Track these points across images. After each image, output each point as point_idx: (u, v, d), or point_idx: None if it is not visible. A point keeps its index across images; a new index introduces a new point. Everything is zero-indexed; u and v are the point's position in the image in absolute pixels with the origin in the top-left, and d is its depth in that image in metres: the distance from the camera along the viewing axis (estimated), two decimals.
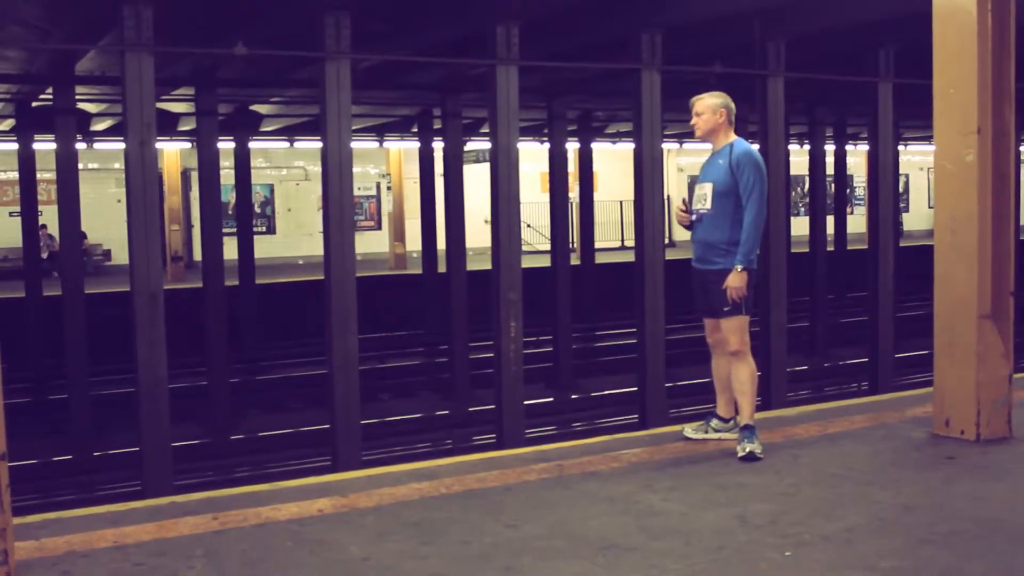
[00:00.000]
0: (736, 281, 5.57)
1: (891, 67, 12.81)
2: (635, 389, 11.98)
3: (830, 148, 21.82)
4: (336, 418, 9.60)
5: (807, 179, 21.91)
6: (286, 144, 24.25)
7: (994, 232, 5.70)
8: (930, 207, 33.43)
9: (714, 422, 6.01)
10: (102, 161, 25.44)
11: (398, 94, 16.85)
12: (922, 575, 3.87)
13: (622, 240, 29.18)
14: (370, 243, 27.22)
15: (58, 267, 16.79)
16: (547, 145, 17.74)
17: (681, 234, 32.50)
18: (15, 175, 18.40)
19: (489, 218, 10.71)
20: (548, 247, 18.12)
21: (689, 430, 6.07)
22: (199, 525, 4.57)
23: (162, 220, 19.81)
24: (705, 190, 5.77)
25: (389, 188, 27.54)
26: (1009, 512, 4.58)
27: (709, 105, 5.81)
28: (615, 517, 4.61)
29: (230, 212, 21.51)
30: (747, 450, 5.53)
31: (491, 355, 10.80)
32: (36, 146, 16.72)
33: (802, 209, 30.09)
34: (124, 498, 8.58)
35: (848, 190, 27.24)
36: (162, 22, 8.88)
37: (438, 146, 18.48)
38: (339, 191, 9.48)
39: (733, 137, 5.85)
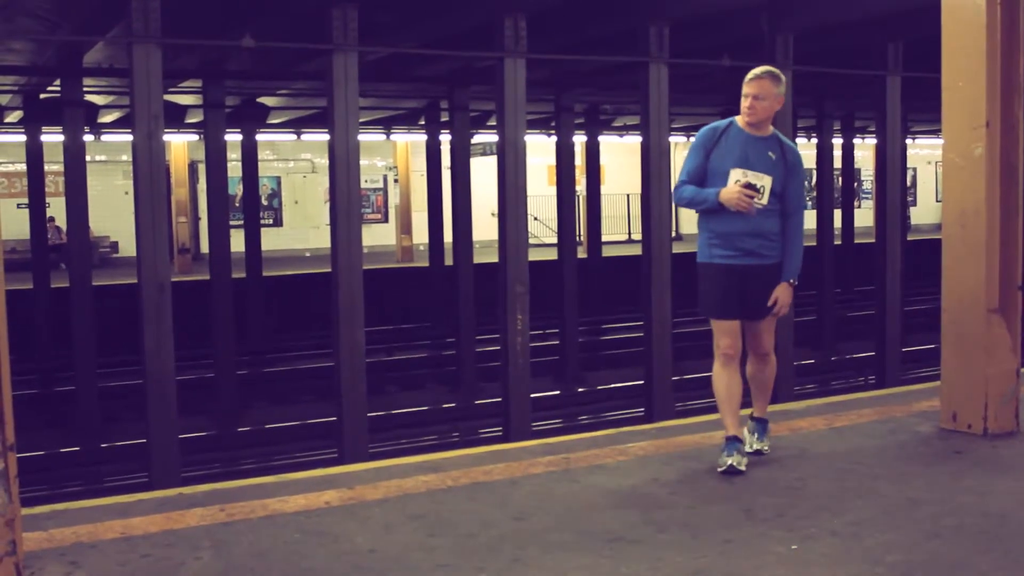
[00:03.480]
0: (789, 297, 5.23)
1: (899, 60, 12.79)
2: (642, 382, 11.98)
3: (838, 141, 21.78)
4: (343, 410, 9.62)
5: (814, 172, 21.87)
6: (293, 136, 24.27)
7: (1002, 226, 5.69)
8: (938, 201, 33.45)
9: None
10: (109, 153, 25.47)
11: (405, 87, 16.85)
12: (928, 569, 3.87)
13: (629, 233, 29.17)
14: (377, 236, 27.24)
15: (66, 259, 16.81)
16: (554, 138, 17.73)
17: (688, 227, 32.49)
18: (23, 167, 18.43)
19: (496, 211, 10.71)
20: (555, 240, 18.12)
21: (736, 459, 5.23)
22: (206, 517, 4.58)
23: (169, 212, 19.85)
24: (763, 182, 5.11)
25: (396, 181, 27.57)
26: (1016, 506, 4.57)
27: (774, 92, 5.22)
28: (621, 510, 4.61)
29: (237, 204, 21.55)
30: (755, 447, 5.41)
31: (498, 348, 10.81)
32: (44, 138, 16.74)
33: (809, 203, 30.05)
34: (131, 489, 8.59)
35: (856, 184, 27.17)
36: (170, 14, 8.89)
37: (445, 139, 18.49)
38: (346, 184, 9.49)
39: (772, 127, 5.36)
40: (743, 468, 5.11)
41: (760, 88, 5.20)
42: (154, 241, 8.81)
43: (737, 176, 5.12)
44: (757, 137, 5.21)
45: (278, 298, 19.37)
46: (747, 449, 5.30)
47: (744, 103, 5.22)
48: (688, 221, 32.27)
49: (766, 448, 5.45)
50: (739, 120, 5.28)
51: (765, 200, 5.11)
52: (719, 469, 5.10)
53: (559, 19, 11.68)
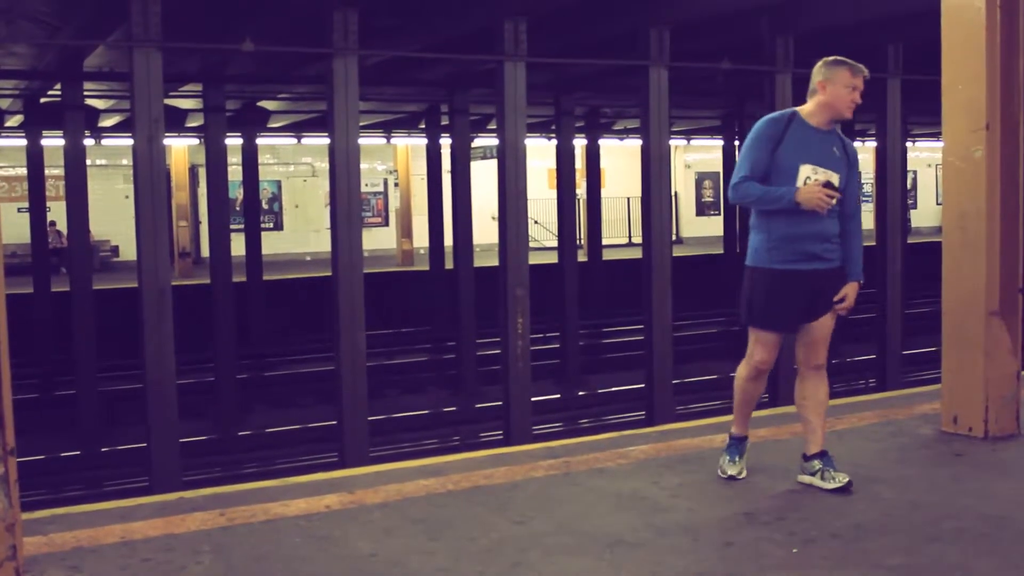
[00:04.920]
0: (855, 296, 4.94)
1: (900, 63, 12.79)
2: (642, 386, 11.98)
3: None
4: (343, 414, 9.62)
5: None
6: (294, 140, 24.27)
7: (1003, 228, 5.69)
8: (938, 203, 33.46)
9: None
10: (110, 157, 25.49)
11: (406, 90, 16.87)
12: (929, 572, 3.86)
13: (629, 236, 29.17)
14: (377, 239, 27.23)
15: (66, 263, 16.83)
16: (554, 141, 17.75)
17: (688, 231, 32.49)
18: (23, 171, 18.45)
19: (496, 214, 10.72)
20: (555, 243, 18.12)
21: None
22: (207, 521, 4.58)
23: (170, 216, 19.88)
24: (831, 179, 4.78)
25: (396, 184, 27.58)
26: (1017, 509, 4.57)
27: None
28: (622, 513, 4.60)
29: (238, 208, 21.54)
30: (844, 480, 4.84)
31: (498, 351, 10.80)
32: (44, 142, 16.76)
33: None
34: (132, 494, 8.61)
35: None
36: (170, 18, 8.90)
37: (445, 142, 18.50)
38: (347, 187, 9.50)
39: None
40: (743, 476, 5.06)
41: (864, 84, 4.88)
42: (155, 245, 8.81)
43: (808, 173, 4.75)
44: (823, 132, 4.88)
45: (279, 302, 19.38)
46: (827, 486, 4.83)
47: (853, 96, 4.84)
48: (689, 224, 32.27)
49: (846, 479, 4.86)
50: (803, 113, 4.91)
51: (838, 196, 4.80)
52: (721, 475, 5.06)
53: (559, 22, 11.69)
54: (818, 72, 4.89)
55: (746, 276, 4.97)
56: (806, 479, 4.95)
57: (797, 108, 4.98)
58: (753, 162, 4.82)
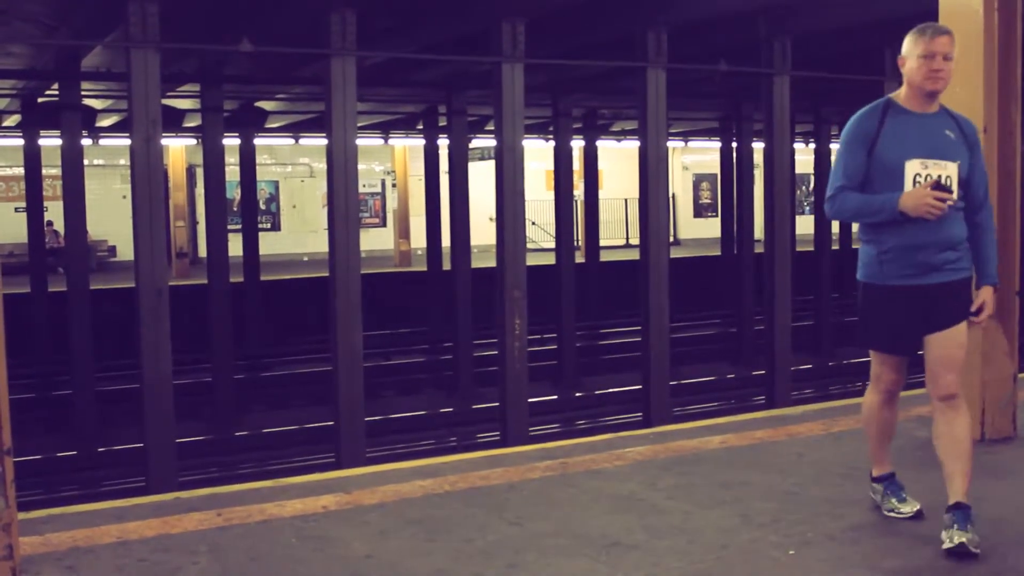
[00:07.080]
0: (994, 302, 4.15)
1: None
2: (639, 387, 11.98)
3: (836, 147, 21.76)
4: (340, 415, 9.62)
5: (812, 177, 21.88)
6: (291, 141, 24.25)
7: (999, 232, 5.68)
8: None
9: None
10: (107, 157, 25.48)
11: (403, 91, 16.88)
12: (926, 575, 3.87)
13: (627, 238, 29.18)
14: (375, 240, 27.23)
15: (63, 263, 16.82)
16: (552, 143, 17.75)
17: (686, 232, 32.48)
18: (21, 171, 18.44)
19: (494, 216, 10.72)
20: (553, 245, 18.12)
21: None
22: (203, 521, 4.57)
23: (167, 216, 19.90)
24: (948, 171, 3.96)
25: (394, 185, 27.59)
26: (1013, 512, 4.57)
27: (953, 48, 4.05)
28: (618, 515, 4.60)
29: (235, 208, 21.54)
30: (956, 541, 3.94)
31: (495, 352, 10.80)
32: (42, 142, 16.75)
33: (807, 208, 30.08)
34: (128, 494, 8.60)
35: None
36: (168, 18, 8.90)
37: (443, 143, 18.50)
38: (344, 188, 9.51)
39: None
40: (915, 511, 4.34)
41: (951, 46, 4.02)
42: (152, 245, 8.82)
43: (916, 169, 3.96)
44: (928, 116, 4.08)
45: (276, 302, 19.37)
46: (947, 545, 3.94)
47: (931, 65, 4.02)
48: (686, 226, 32.28)
49: (974, 538, 3.94)
50: (899, 97, 4.15)
51: (955, 196, 3.94)
52: (898, 517, 4.36)
53: (557, 24, 11.70)
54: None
55: (861, 292, 4.26)
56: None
57: (891, 94, 4.23)
58: (847, 168, 4.12)
